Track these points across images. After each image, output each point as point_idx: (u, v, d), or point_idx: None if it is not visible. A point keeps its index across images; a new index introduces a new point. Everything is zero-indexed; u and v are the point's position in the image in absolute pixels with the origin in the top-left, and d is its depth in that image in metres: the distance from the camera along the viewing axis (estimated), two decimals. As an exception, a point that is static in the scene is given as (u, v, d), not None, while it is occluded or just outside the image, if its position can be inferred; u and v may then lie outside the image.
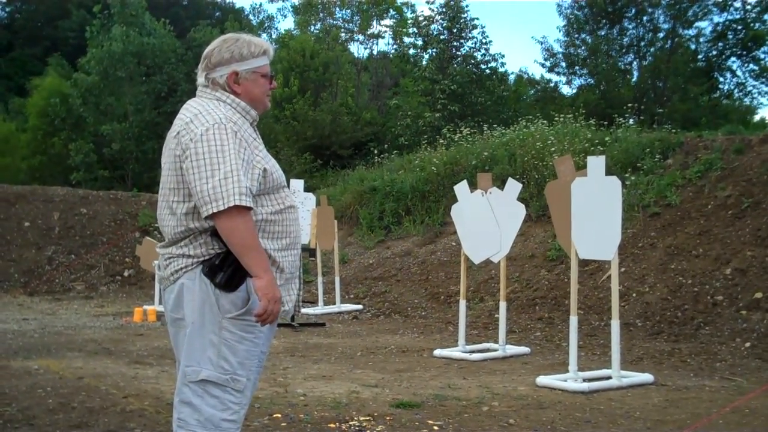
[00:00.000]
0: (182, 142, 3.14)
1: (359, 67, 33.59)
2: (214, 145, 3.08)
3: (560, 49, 29.79)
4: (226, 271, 3.12)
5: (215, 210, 3.02)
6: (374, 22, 33.83)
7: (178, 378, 3.26)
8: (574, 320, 7.49)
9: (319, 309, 13.16)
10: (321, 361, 8.66)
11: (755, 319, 9.27)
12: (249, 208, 3.07)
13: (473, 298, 12.22)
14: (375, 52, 34.42)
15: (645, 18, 28.39)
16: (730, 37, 28.90)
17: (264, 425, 5.67)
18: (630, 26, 29.01)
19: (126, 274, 18.19)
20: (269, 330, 3.32)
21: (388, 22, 34.55)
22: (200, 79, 3.37)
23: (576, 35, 29.44)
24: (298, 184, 14.19)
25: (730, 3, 27.90)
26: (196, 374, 3.16)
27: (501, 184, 9.46)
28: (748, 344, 8.81)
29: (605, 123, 17.27)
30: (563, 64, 30.01)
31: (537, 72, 53.45)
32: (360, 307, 13.23)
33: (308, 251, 13.54)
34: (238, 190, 3.02)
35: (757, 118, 32.96)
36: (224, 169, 3.04)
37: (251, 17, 42.71)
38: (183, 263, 3.19)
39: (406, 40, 32.87)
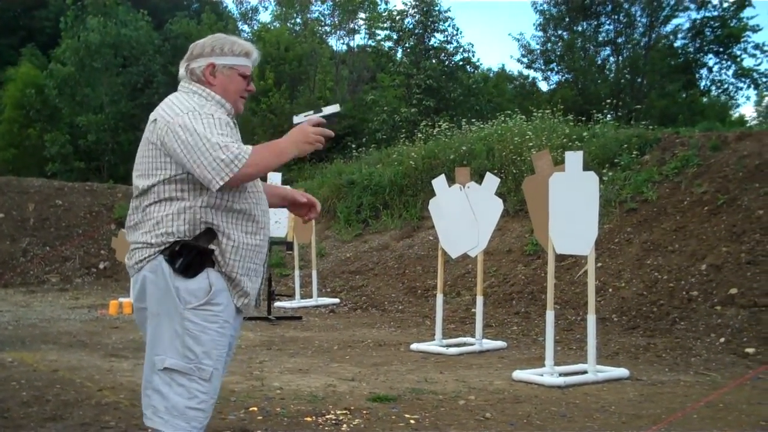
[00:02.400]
0: (158, 127, 3.20)
1: (337, 61, 33.48)
2: (189, 127, 3.11)
3: (537, 46, 29.88)
4: (186, 258, 3.15)
5: (219, 186, 3.08)
6: (351, 17, 33.69)
7: (145, 364, 3.27)
8: (550, 315, 7.51)
9: (296, 302, 13.14)
10: (297, 355, 8.64)
11: (730, 314, 9.34)
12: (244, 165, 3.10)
13: (450, 292, 12.24)
14: (353, 46, 34.33)
15: (622, 14, 28.51)
16: (708, 33, 29.08)
17: (240, 419, 5.65)
18: (606, 22, 29.11)
19: (101, 266, 18.08)
20: (235, 319, 3.34)
21: (362, 15, 34.44)
22: (181, 71, 3.43)
23: (552, 31, 29.51)
24: (275, 177, 14.11)
25: (707, 0, 28.11)
26: (162, 362, 3.18)
27: (479, 178, 9.46)
28: (722, 339, 8.86)
29: (583, 119, 17.34)
30: (540, 60, 30.09)
31: (515, 68, 53.61)
32: (337, 300, 13.22)
33: (285, 244, 13.51)
34: (224, 160, 3.05)
35: (735, 114, 33.25)
36: (205, 145, 3.07)
37: (233, 9, 42.41)
38: (146, 253, 3.22)
39: (381, 33, 32.84)
